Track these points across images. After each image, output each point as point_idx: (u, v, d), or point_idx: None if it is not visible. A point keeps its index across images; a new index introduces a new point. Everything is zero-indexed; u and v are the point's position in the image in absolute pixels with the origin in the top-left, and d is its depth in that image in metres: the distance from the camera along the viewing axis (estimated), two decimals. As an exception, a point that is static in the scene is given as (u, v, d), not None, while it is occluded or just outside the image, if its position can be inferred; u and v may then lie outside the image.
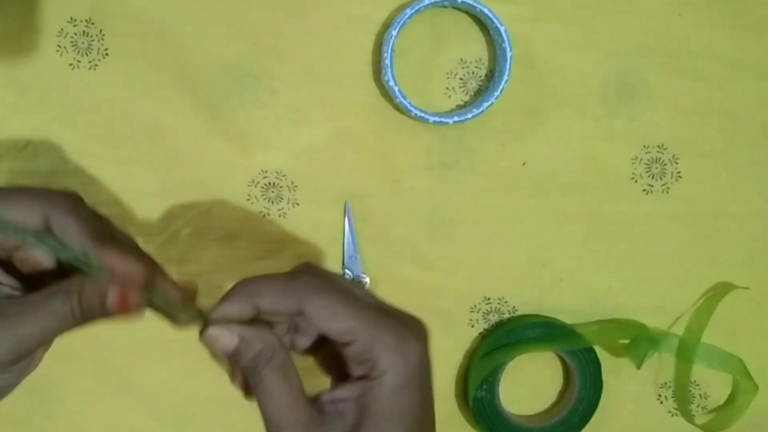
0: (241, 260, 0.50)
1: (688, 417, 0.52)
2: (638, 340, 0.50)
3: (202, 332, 0.33)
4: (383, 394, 0.32)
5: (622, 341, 0.51)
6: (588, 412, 0.51)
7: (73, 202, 0.33)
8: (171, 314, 0.34)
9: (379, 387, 0.31)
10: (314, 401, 0.33)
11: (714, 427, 0.52)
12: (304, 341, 0.36)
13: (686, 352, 0.51)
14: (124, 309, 0.32)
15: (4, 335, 0.30)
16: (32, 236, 0.32)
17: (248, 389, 0.34)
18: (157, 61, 0.48)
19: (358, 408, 0.32)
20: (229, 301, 0.33)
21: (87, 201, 0.48)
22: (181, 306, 0.34)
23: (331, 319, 0.32)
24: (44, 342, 0.33)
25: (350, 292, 0.33)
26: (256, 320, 0.33)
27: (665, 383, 0.53)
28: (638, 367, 0.50)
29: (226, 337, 0.33)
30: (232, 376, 0.35)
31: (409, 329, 0.33)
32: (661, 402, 0.53)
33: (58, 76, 0.48)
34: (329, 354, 0.35)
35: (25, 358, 0.32)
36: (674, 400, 0.52)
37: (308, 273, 0.33)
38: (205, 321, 0.33)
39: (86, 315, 0.32)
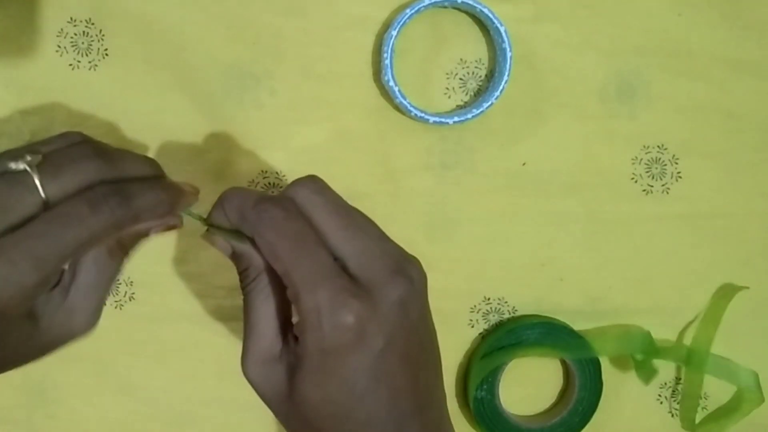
0: (241, 260, 0.50)
1: (690, 427, 0.51)
2: (646, 362, 0.50)
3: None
4: (315, 340, 0.30)
5: (625, 352, 0.51)
6: (588, 412, 0.51)
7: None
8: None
9: (311, 333, 0.30)
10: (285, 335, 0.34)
11: (711, 429, 0.52)
12: None
13: (696, 364, 0.51)
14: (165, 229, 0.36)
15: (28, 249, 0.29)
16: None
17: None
18: (157, 61, 0.48)
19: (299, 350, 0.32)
20: (215, 209, 0.35)
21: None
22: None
23: (270, 258, 0.32)
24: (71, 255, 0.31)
25: (310, 236, 0.32)
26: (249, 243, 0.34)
27: (665, 383, 0.53)
28: (646, 384, 0.50)
29: (221, 244, 0.35)
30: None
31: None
32: (661, 402, 0.53)
33: (58, 76, 0.48)
34: None
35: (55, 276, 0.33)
36: (677, 405, 0.52)
37: (286, 200, 0.33)
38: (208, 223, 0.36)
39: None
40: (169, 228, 0.37)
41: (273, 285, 0.34)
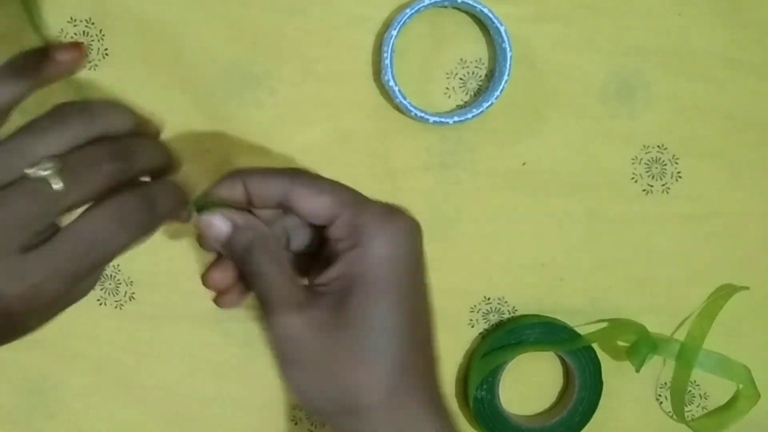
0: (241, 260, 0.50)
1: (683, 420, 0.51)
2: (639, 344, 0.50)
3: (196, 216, 0.35)
4: (373, 258, 0.32)
5: (622, 343, 0.51)
6: (588, 412, 0.51)
7: None
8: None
9: (367, 252, 0.32)
10: (307, 288, 0.34)
11: (711, 428, 0.52)
12: (296, 242, 0.37)
13: (687, 357, 0.51)
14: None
15: None
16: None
17: (222, 293, 0.36)
18: (157, 61, 0.48)
19: (348, 280, 0.32)
20: (221, 183, 0.35)
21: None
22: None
23: (315, 196, 0.33)
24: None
25: (337, 182, 0.34)
26: (249, 214, 0.35)
27: (665, 384, 0.53)
28: (638, 371, 0.50)
29: (219, 222, 0.34)
30: (211, 269, 0.36)
31: (398, 210, 0.34)
32: (661, 402, 0.53)
33: (58, 76, 0.48)
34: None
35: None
36: (671, 402, 0.52)
37: (297, 169, 0.35)
38: (197, 208, 0.35)
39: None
40: (179, 221, 0.36)
41: (276, 245, 0.34)
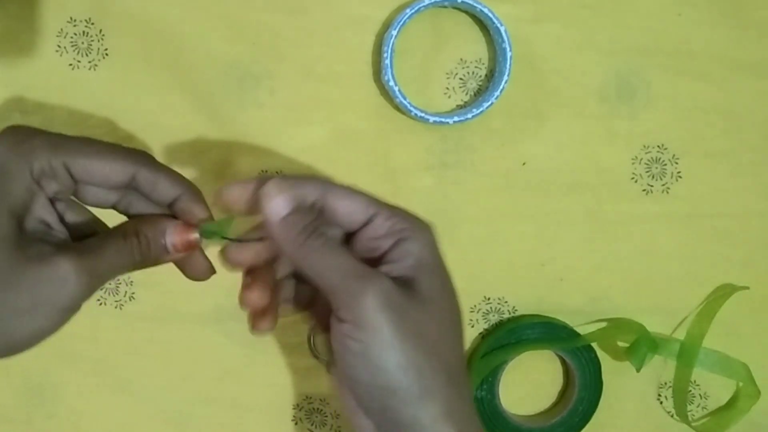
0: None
1: (686, 420, 0.51)
2: (638, 344, 0.50)
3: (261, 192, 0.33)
4: (427, 248, 0.34)
5: (622, 343, 0.51)
6: (588, 412, 0.51)
7: (154, 159, 0.35)
8: (223, 234, 0.35)
9: (421, 243, 0.33)
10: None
11: (712, 428, 0.52)
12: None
13: (687, 356, 0.51)
14: (185, 246, 0.35)
15: (83, 269, 0.31)
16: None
17: (259, 316, 0.35)
18: (157, 61, 0.48)
19: (409, 269, 0.33)
20: (272, 188, 0.33)
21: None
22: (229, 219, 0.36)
23: (352, 196, 0.34)
24: (110, 277, 0.33)
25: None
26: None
27: (665, 383, 0.53)
28: (638, 370, 0.50)
29: (281, 201, 0.33)
30: (249, 289, 0.35)
31: (420, 219, 0.35)
32: (661, 402, 0.53)
33: (58, 76, 0.48)
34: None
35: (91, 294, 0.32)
36: (673, 402, 0.52)
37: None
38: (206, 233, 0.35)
39: (147, 254, 0.34)
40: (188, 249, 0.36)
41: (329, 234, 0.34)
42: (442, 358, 0.32)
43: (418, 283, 0.32)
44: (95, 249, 0.32)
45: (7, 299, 0.30)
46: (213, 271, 0.37)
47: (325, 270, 0.32)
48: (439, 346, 0.32)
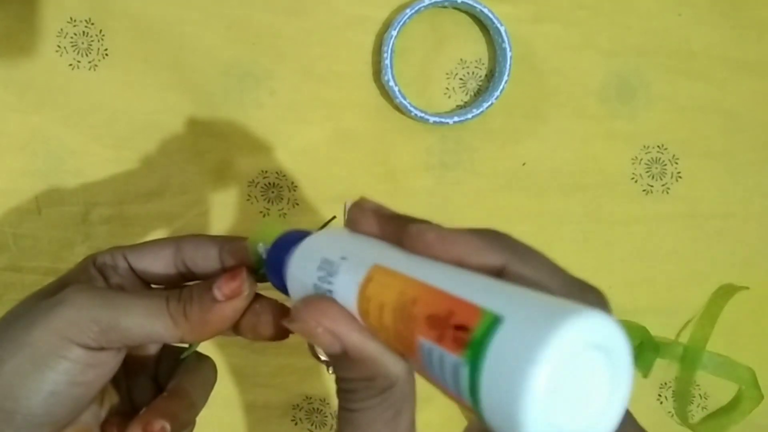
0: (241, 260, 0.49)
1: (686, 423, 0.51)
2: (643, 349, 0.50)
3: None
4: None
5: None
6: (588, 412, 0.51)
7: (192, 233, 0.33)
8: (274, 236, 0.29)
9: None
10: None
11: (714, 429, 0.52)
12: None
13: (690, 361, 0.51)
14: (234, 291, 0.28)
15: (98, 318, 0.27)
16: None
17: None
18: (157, 61, 0.48)
19: None
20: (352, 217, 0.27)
21: (86, 201, 0.48)
22: None
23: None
24: (133, 341, 0.28)
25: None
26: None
27: (665, 383, 0.53)
28: (645, 377, 0.50)
29: (329, 338, 0.24)
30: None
31: None
32: (661, 402, 0.53)
33: (58, 76, 0.48)
34: None
35: (112, 351, 0.29)
36: (674, 405, 0.52)
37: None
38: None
39: (184, 315, 0.29)
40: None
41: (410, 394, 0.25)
42: None
43: None
44: (124, 301, 0.28)
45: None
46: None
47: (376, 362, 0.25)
48: None
